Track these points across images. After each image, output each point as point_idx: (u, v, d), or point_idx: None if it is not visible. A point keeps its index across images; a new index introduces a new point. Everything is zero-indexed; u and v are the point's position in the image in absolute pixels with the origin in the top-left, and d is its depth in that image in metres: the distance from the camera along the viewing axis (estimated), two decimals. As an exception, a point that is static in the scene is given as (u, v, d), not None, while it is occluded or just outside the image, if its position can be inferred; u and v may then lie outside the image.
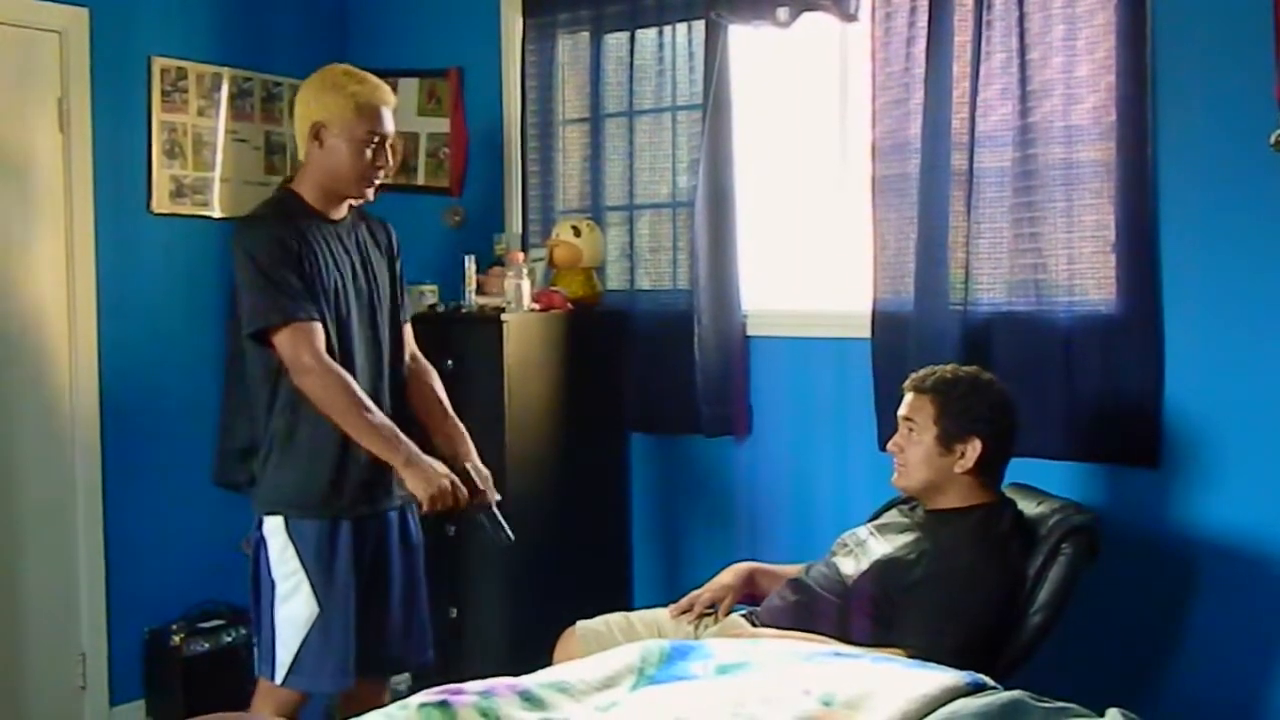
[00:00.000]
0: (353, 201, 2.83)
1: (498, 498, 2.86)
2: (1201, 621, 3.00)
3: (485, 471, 2.91)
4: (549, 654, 2.89)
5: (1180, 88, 2.95)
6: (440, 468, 2.70)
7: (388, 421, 2.69)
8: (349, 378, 2.67)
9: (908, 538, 2.73)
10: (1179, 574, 3.02)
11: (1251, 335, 2.91)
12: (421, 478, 2.66)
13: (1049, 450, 3.04)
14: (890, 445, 2.81)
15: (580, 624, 2.94)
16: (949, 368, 2.82)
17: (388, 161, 2.80)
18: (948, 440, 2.71)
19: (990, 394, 2.75)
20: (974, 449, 2.69)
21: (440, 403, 2.96)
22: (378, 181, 2.81)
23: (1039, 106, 3.09)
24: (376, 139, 2.74)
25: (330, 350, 2.70)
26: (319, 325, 2.66)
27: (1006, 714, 2.05)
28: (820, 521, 3.45)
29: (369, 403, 2.68)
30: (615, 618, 2.97)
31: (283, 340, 2.65)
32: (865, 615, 2.65)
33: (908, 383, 2.81)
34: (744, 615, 2.88)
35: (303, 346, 2.63)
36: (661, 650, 2.36)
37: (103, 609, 3.79)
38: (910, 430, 2.75)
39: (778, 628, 2.73)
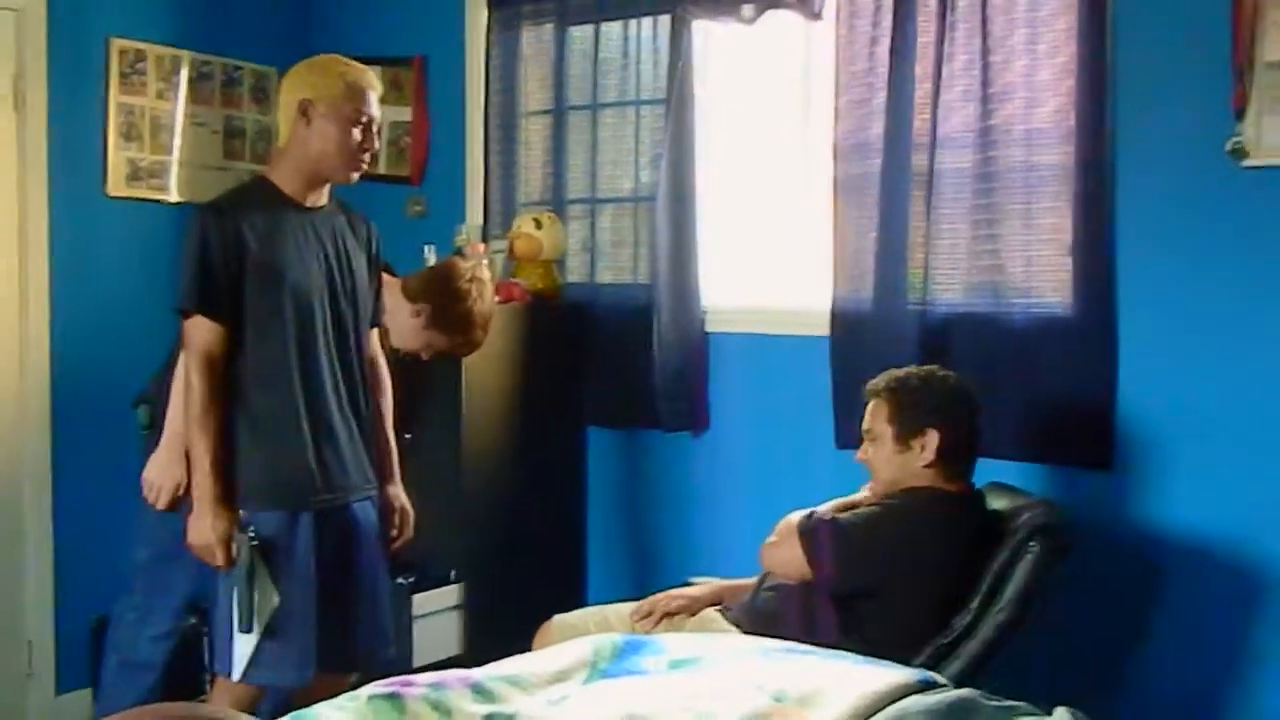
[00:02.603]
0: (336, 183, 2.82)
1: (410, 535, 2.98)
2: (1157, 621, 3.04)
3: (408, 509, 3.00)
4: (506, 647, 2.88)
5: (1140, 93, 2.98)
6: (218, 530, 2.64)
7: (213, 453, 2.65)
8: (206, 394, 2.64)
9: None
10: (1134, 574, 3.05)
11: (1205, 339, 2.94)
12: (195, 525, 2.66)
13: (1004, 451, 3.06)
14: (858, 456, 2.84)
15: (557, 618, 2.94)
16: (904, 369, 2.85)
17: (374, 144, 2.80)
18: (904, 437, 2.74)
19: (942, 386, 2.79)
20: (931, 440, 2.72)
21: (381, 421, 2.98)
22: (363, 165, 2.80)
23: (1000, 109, 3.11)
24: (364, 119, 2.75)
25: (282, 340, 2.69)
26: (218, 327, 2.66)
27: (955, 711, 2.06)
28: (777, 517, 3.45)
29: (209, 425, 2.65)
30: (591, 611, 2.98)
31: (188, 326, 2.68)
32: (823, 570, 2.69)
33: (866, 389, 2.84)
34: (718, 611, 2.88)
35: (196, 340, 2.66)
36: (614, 644, 2.35)
37: (50, 596, 3.74)
38: (871, 439, 2.79)
39: (750, 629, 2.73)
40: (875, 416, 2.79)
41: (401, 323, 3.21)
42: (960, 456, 2.78)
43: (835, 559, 2.68)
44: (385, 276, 3.09)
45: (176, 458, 2.84)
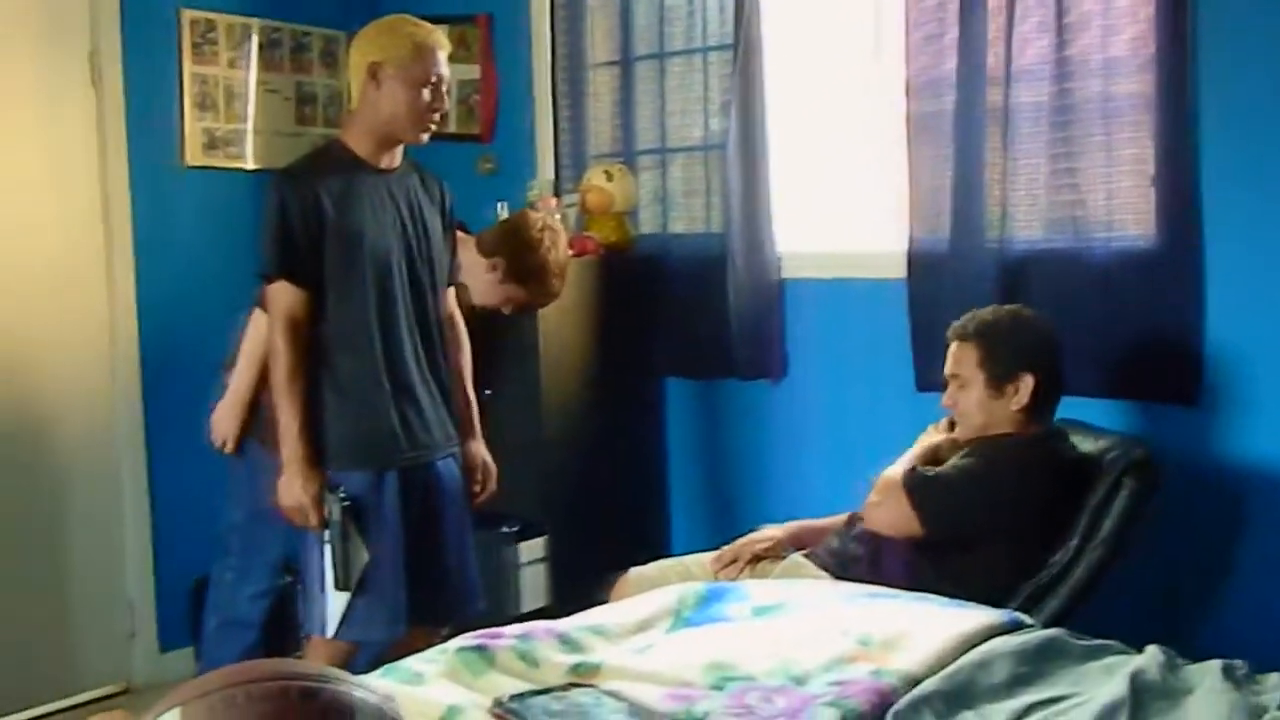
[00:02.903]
0: (407, 144, 2.84)
1: (493, 489, 3.03)
2: (1244, 557, 2.98)
3: (490, 465, 3.03)
4: (591, 599, 2.91)
5: (1220, 18, 2.88)
6: (310, 491, 2.68)
7: (301, 416, 2.70)
8: (292, 359, 2.69)
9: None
10: (1220, 510, 2.99)
11: (1294, 269, 2.86)
12: (287, 487, 2.70)
13: (1087, 387, 3.00)
14: (944, 401, 2.82)
15: (634, 570, 2.94)
16: (988, 310, 2.81)
17: (444, 104, 2.81)
18: (997, 383, 2.71)
19: (1034, 328, 2.75)
20: (1026, 385, 2.69)
21: (461, 379, 3.00)
22: (433, 126, 2.82)
23: (1076, 40, 3.03)
24: (434, 79, 2.76)
25: (362, 302, 2.72)
26: (301, 291, 2.70)
27: (1043, 651, 2.06)
28: (856, 463, 3.42)
29: (296, 388, 2.69)
30: (670, 562, 2.99)
31: (271, 291, 2.72)
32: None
33: (950, 331, 2.80)
34: (805, 556, 2.87)
35: (279, 305, 2.69)
36: (698, 593, 2.37)
37: (149, 558, 3.85)
38: (959, 383, 2.75)
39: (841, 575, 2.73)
40: (963, 361, 2.75)
41: (479, 278, 3.24)
42: (1051, 400, 2.75)
43: (942, 511, 2.66)
44: (460, 235, 3.12)
45: (234, 409, 3.11)
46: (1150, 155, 2.96)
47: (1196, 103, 2.92)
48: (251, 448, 3.13)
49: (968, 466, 2.70)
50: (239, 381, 3.11)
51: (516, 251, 3.23)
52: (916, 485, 2.69)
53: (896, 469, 2.77)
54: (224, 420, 3.15)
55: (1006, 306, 2.83)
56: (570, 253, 3.64)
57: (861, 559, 2.75)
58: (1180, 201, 2.94)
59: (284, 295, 2.70)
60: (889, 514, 2.71)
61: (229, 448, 3.15)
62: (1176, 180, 2.94)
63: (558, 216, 3.64)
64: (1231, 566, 2.99)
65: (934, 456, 2.84)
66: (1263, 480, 2.93)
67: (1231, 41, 2.88)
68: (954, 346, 2.78)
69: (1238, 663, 2.05)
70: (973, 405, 2.74)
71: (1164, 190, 2.96)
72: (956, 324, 2.81)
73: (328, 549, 2.70)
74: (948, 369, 2.79)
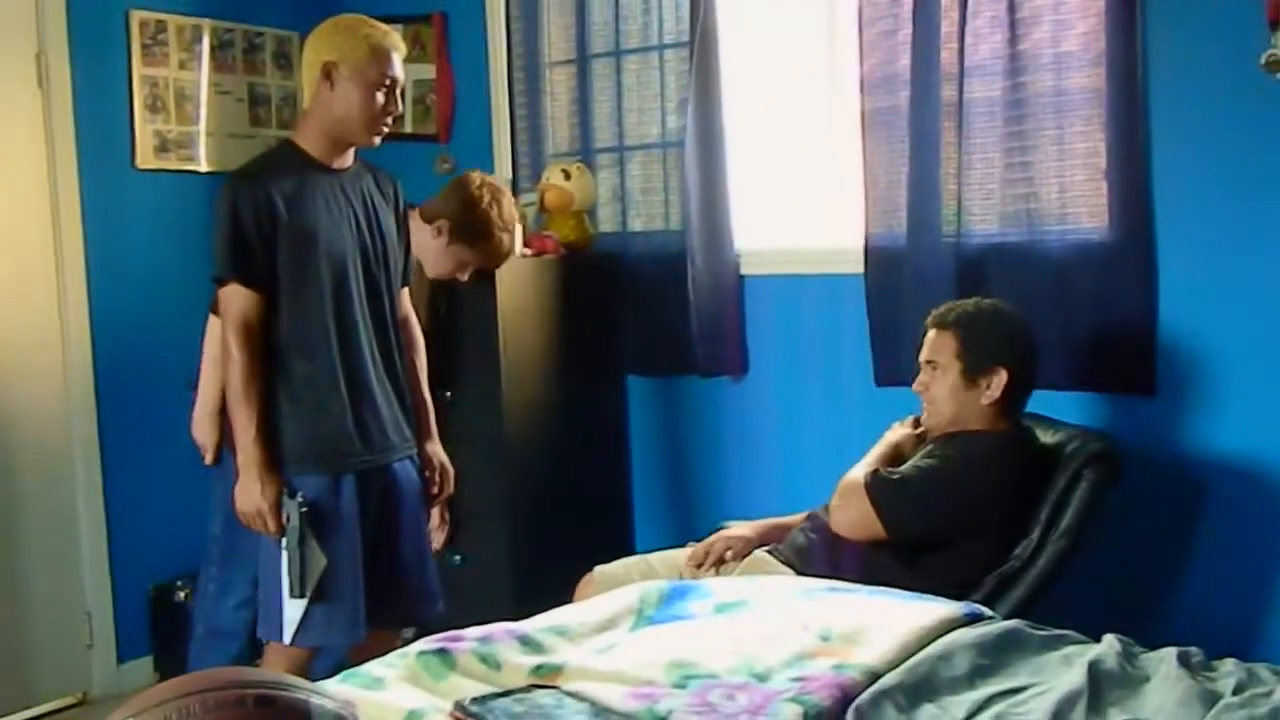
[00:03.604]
0: (359, 146, 2.82)
1: (450, 490, 3.02)
2: (1202, 546, 3.01)
3: (447, 466, 3.02)
4: (554, 599, 2.90)
5: (1170, 10, 2.91)
6: (267, 497, 2.66)
7: (258, 421, 2.67)
8: (247, 363, 2.66)
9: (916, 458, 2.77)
10: (1179, 499, 3.02)
11: (1245, 259, 2.89)
12: (244, 492, 2.68)
13: (1045, 380, 3.03)
14: (915, 386, 2.82)
15: (599, 569, 2.94)
16: (970, 301, 2.83)
17: (398, 107, 2.79)
18: (972, 374, 2.72)
19: (1012, 325, 2.77)
20: (1000, 380, 2.71)
21: (416, 379, 2.99)
22: (386, 129, 2.80)
23: (1028, 35, 3.06)
24: (388, 82, 2.73)
25: (318, 304, 2.70)
26: (254, 294, 2.67)
27: (1003, 643, 2.07)
28: (818, 457, 3.45)
29: (252, 393, 2.67)
30: (634, 561, 2.98)
31: (224, 295, 2.69)
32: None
33: (930, 319, 2.81)
34: (768, 552, 2.88)
35: (233, 308, 2.67)
36: (660, 591, 2.37)
37: (105, 567, 3.80)
38: (934, 370, 2.76)
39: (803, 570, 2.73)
40: (940, 349, 2.75)
41: (427, 245, 3.24)
42: (1022, 396, 2.77)
43: (906, 515, 2.66)
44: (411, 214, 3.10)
45: (207, 418, 3.09)
46: (1102, 148, 2.99)
47: (1147, 96, 2.95)
48: (228, 457, 3.09)
49: (930, 469, 2.70)
50: (205, 390, 3.10)
51: (459, 210, 3.25)
52: (879, 488, 2.69)
53: (859, 471, 2.77)
54: (200, 430, 3.13)
55: (987, 299, 2.85)
56: (528, 252, 3.64)
57: (819, 549, 2.75)
58: (1133, 194, 2.97)
59: (237, 299, 2.67)
60: (852, 517, 2.70)
61: (208, 458, 3.13)
62: (1129, 173, 2.96)
63: (516, 216, 3.63)
64: (1189, 554, 3.02)
65: (897, 454, 2.85)
66: (1221, 469, 2.96)
67: (1181, 35, 2.91)
68: (932, 334, 2.79)
69: (1193, 650, 2.07)
70: (945, 394, 2.75)
71: (1116, 183, 2.98)
72: (937, 311, 2.81)
73: (284, 555, 2.67)
74: (923, 355, 2.79)
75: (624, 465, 3.97)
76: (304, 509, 2.65)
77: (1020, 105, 3.08)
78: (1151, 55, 2.93)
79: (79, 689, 3.77)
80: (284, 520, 2.66)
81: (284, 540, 2.66)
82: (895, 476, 2.71)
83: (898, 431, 2.92)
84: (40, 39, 3.62)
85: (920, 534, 2.67)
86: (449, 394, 3.40)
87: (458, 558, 3.57)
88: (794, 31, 3.71)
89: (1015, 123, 3.09)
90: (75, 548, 3.75)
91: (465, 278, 3.34)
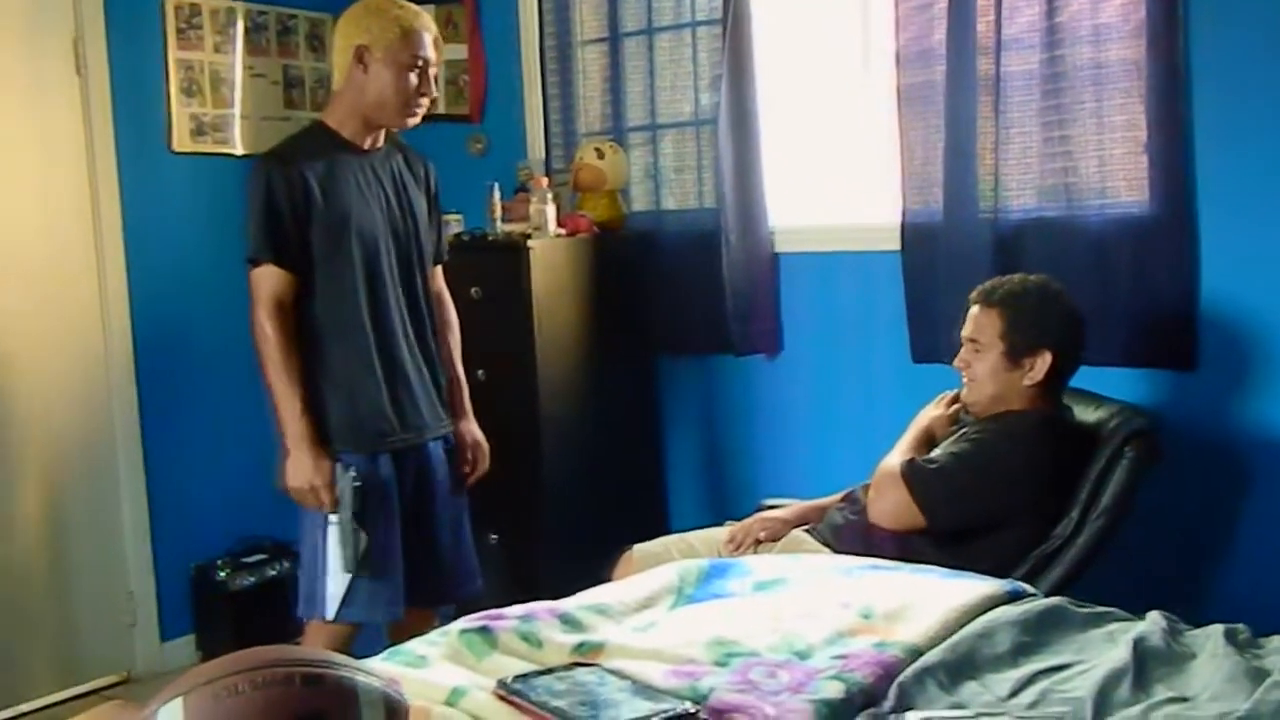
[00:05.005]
0: (394, 129, 2.81)
1: (485, 468, 3.00)
2: (1247, 522, 2.98)
3: (483, 444, 3.00)
4: (589, 578, 2.91)
5: (1212, -20, 2.88)
6: (321, 472, 2.67)
7: (301, 396, 2.68)
8: (283, 341, 2.66)
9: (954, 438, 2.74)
10: (1222, 475, 3.00)
11: (1288, 232, 2.86)
12: (294, 468, 2.68)
13: (1086, 356, 3.00)
14: (956, 363, 2.77)
15: (638, 547, 2.93)
16: (1017, 278, 2.76)
17: (431, 90, 2.78)
18: (1015, 354, 2.67)
19: (1060, 305, 2.70)
20: (1044, 361, 2.65)
21: (450, 357, 2.99)
22: (420, 111, 2.78)
23: (1066, 6, 3.02)
24: (420, 63, 2.73)
25: (352, 284, 2.71)
26: (287, 274, 2.68)
27: (1045, 620, 2.06)
28: (853, 435, 3.45)
29: (291, 369, 2.67)
30: (672, 539, 2.97)
31: (257, 275, 2.69)
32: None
33: (974, 294, 2.75)
34: (805, 531, 2.87)
35: (265, 288, 2.67)
36: (700, 569, 2.37)
37: (148, 547, 3.85)
38: (976, 348, 2.71)
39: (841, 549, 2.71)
40: (984, 327, 2.69)
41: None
42: (1065, 379, 2.72)
43: (945, 505, 2.62)
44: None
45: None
46: (1142, 121, 2.95)
47: (1187, 67, 2.91)
48: None
49: (967, 454, 2.65)
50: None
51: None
52: (917, 478, 2.64)
53: (894, 459, 2.72)
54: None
55: (1034, 277, 2.76)
56: (562, 231, 3.64)
57: (856, 531, 2.74)
58: (1173, 166, 2.93)
59: (269, 278, 2.68)
60: (890, 507, 2.65)
61: None
62: (1169, 145, 2.93)
63: (549, 195, 3.63)
64: (1233, 531, 3.00)
65: (929, 438, 2.82)
66: (1263, 443, 2.93)
67: (1221, 5, 2.86)
68: (976, 310, 2.72)
69: (1240, 627, 2.05)
70: (986, 373, 2.69)
71: (1156, 155, 2.95)
72: (982, 287, 2.74)
73: (334, 530, 2.68)
74: (966, 332, 2.73)
75: (658, 444, 3.97)
76: (357, 484, 2.67)
77: (1058, 78, 3.04)
78: (1192, 25, 2.89)
79: (122, 668, 3.82)
80: (337, 495, 2.67)
81: (336, 516, 2.68)
82: (933, 465, 2.67)
83: (929, 414, 2.88)
84: (77, 25, 3.64)
85: (960, 523, 2.63)
86: (482, 374, 3.41)
87: (494, 537, 3.59)
88: (827, 6, 3.68)
89: (1053, 96, 3.05)
90: (117, 528, 3.79)
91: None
